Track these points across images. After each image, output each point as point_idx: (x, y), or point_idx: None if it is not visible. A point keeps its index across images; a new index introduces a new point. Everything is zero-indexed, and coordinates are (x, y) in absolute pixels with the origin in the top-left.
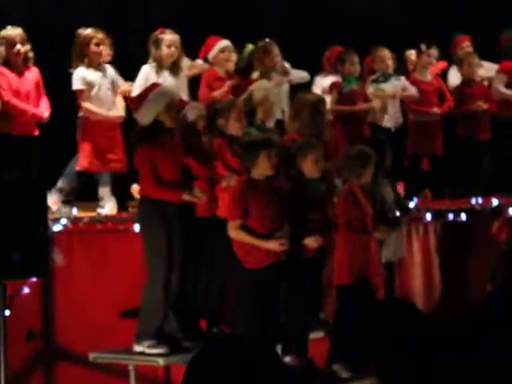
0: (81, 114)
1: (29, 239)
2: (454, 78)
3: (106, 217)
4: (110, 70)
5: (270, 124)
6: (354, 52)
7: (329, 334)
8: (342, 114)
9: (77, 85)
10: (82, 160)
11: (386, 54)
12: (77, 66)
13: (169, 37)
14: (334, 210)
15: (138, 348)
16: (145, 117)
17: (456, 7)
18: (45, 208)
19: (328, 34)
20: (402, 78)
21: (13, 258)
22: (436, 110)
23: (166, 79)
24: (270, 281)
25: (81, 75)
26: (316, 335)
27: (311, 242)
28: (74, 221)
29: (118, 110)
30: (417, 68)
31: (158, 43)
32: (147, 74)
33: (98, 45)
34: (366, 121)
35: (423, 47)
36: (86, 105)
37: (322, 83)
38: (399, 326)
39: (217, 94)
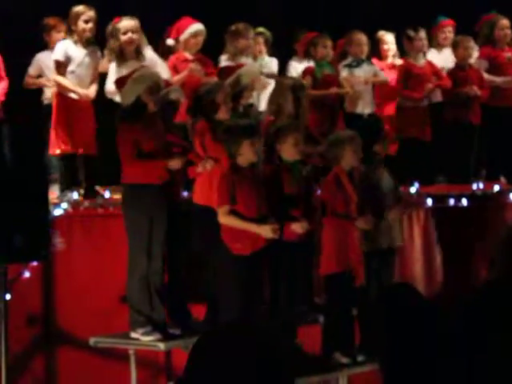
0: (54, 89)
1: (30, 223)
2: (435, 61)
3: (107, 201)
4: (98, 55)
5: (259, 107)
6: (326, 36)
7: (318, 321)
8: (316, 100)
9: (56, 55)
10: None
11: (362, 38)
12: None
13: (124, 23)
14: (318, 195)
15: (132, 335)
16: (127, 96)
17: None
18: (46, 192)
19: (301, 18)
20: (374, 64)
21: (14, 242)
22: (430, 85)
23: (133, 67)
24: (257, 267)
25: (63, 47)
26: (311, 321)
27: (297, 227)
28: (75, 205)
29: (90, 89)
30: (410, 53)
31: (114, 33)
32: (115, 69)
33: (86, 22)
34: (339, 106)
35: (411, 33)
36: (59, 78)
37: (297, 68)
38: (402, 311)
39: (178, 77)
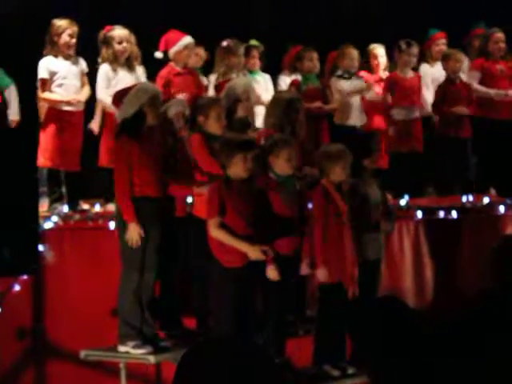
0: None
1: (20, 236)
2: (428, 74)
3: (97, 214)
4: (82, 62)
5: (256, 122)
6: (312, 49)
7: (310, 333)
8: None
9: (40, 74)
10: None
11: (354, 52)
12: (46, 55)
13: (118, 33)
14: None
15: (122, 348)
16: (127, 109)
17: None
18: (36, 205)
19: (291, 31)
20: (362, 78)
21: (3, 255)
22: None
23: (124, 77)
24: (249, 279)
25: (45, 64)
26: (301, 333)
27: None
28: (65, 218)
29: (81, 94)
30: (398, 66)
31: (108, 41)
32: (107, 72)
33: (71, 36)
34: (325, 119)
35: (403, 46)
36: (46, 95)
37: (286, 81)
38: (389, 324)
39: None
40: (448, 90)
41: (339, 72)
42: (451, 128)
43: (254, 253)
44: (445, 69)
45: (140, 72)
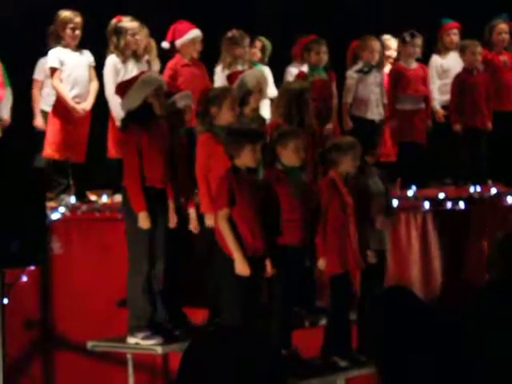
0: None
1: (27, 227)
2: (438, 64)
3: (104, 205)
4: (89, 55)
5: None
6: (321, 41)
7: (317, 324)
8: None
9: (51, 62)
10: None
11: (376, 45)
12: (53, 46)
13: (132, 25)
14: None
15: (131, 340)
16: (133, 100)
17: None
18: (43, 196)
19: (302, 21)
20: (382, 72)
21: (11, 247)
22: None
23: (133, 68)
24: (256, 270)
25: (55, 53)
26: (309, 324)
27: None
28: (72, 209)
29: (87, 102)
30: (401, 57)
31: (120, 32)
32: (114, 64)
33: (73, 29)
34: (330, 110)
35: (407, 37)
36: (58, 86)
37: (293, 74)
38: (398, 313)
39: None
40: (466, 81)
41: (358, 66)
42: (470, 119)
43: (240, 267)
44: (463, 60)
45: (156, 66)
